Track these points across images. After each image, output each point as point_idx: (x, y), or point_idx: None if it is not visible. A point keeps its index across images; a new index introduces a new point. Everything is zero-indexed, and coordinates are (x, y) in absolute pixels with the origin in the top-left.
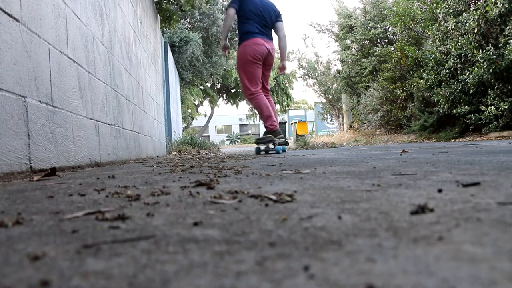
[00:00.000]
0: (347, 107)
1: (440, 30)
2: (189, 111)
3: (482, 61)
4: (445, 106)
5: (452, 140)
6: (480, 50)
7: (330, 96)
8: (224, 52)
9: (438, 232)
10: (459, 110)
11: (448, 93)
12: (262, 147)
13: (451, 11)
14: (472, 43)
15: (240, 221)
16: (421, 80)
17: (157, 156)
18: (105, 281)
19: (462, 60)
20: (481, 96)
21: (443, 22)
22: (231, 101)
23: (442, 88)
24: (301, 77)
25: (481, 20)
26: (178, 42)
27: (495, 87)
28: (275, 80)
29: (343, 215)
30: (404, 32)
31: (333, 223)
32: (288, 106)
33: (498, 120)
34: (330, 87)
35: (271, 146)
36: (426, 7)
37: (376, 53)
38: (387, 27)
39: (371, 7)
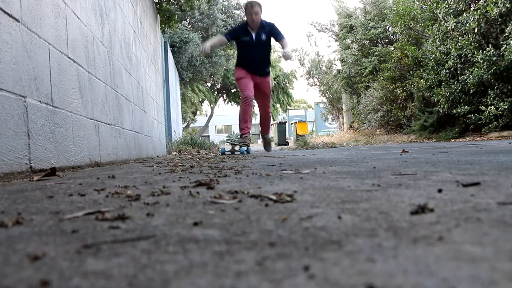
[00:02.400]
0: (347, 107)
1: (440, 30)
2: (194, 107)
3: (482, 61)
4: (445, 106)
5: (452, 140)
6: (480, 50)
7: (331, 96)
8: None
9: (438, 232)
10: (459, 110)
11: (448, 93)
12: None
13: (451, 11)
14: (472, 43)
15: (240, 221)
16: (421, 80)
17: (157, 156)
18: (105, 281)
19: (462, 60)
20: (481, 96)
21: (443, 22)
22: (232, 101)
23: (442, 88)
24: (301, 76)
25: (481, 20)
26: (178, 42)
27: (495, 87)
28: (275, 80)
29: (343, 215)
30: (404, 32)
31: (333, 223)
32: (289, 105)
33: (498, 120)
34: (332, 86)
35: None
36: (426, 7)
37: (376, 53)
38: (387, 27)
39: (372, 7)
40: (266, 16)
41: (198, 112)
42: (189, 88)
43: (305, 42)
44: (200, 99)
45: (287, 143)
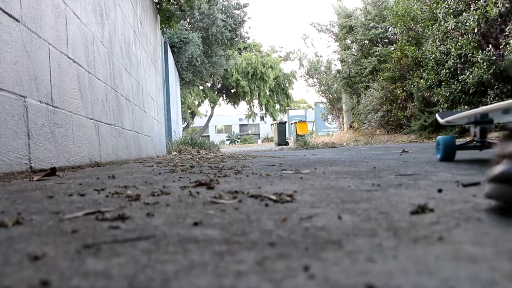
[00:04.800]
0: (347, 107)
1: (440, 30)
2: (190, 110)
3: (482, 61)
4: (445, 106)
5: None
6: (480, 50)
7: (331, 96)
8: None
9: (438, 232)
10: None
11: (448, 93)
12: None
13: (451, 11)
14: (472, 43)
15: (240, 221)
16: (421, 80)
17: (157, 156)
18: (105, 281)
19: (462, 60)
20: (481, 96)
21: (443, 22)
22: (231, 101)
23: (442, 88)
24: (301, 76)
25: (481, 20)
26: (178, 42)
27: (495, 87)
28: (275, 80)
29: (343, 215)
30: (404, 32)
31: (333, 223)
32: (288, 105)
33: None
34: (331, 86)
35: None
36: (426, 7)
37: (376, 53)
38: (387, 27)
39: (372, 7)
40: (266, 16)
41: (197, 114)
42: (187, 90)
43: (302, 44)
44: (199, 101)
45: (287, 143)
